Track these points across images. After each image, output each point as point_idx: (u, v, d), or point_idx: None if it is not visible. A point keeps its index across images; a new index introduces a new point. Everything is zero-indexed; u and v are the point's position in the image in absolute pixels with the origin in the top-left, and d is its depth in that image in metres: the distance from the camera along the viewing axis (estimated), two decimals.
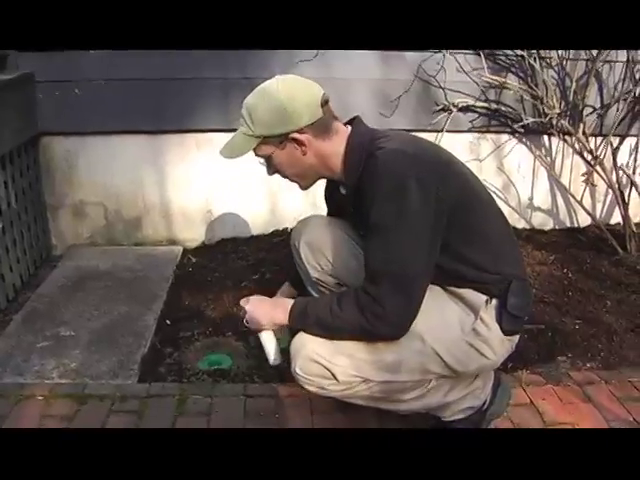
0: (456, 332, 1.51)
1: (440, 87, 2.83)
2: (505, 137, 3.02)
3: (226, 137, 2.81)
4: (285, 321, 1.53)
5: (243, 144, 1.53)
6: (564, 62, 2.80)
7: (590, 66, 2.78)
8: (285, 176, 1.62)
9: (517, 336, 1.60)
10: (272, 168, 1.60)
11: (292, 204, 3.04)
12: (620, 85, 2.87)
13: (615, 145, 2.70)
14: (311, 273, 1.78)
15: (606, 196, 3.17)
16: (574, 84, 2.78)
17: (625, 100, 2.81)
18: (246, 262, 2.82)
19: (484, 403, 1.68)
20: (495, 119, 2.94)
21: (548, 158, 3.05)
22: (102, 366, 2.01)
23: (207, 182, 2.93)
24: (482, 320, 1.51)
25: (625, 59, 2.84)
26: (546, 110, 2.70)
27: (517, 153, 3.06)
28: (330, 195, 1.79)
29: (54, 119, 2.70)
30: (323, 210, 3.04)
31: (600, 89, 2.91)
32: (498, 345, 1.54)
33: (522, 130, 2.92)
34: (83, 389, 1.89)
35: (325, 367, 1.46)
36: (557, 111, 2.67)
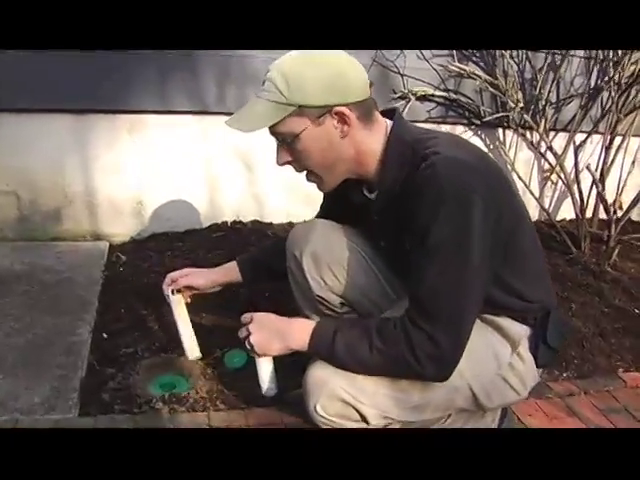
0: (493, 366, 1.34)
1: (399, 73, 2.64)
2: (460, 129, 2.88)
3: (163, 120, 2.55)
4: (304, 348, 1.28)
5: (269, 113, 1.24)
6: (528, 55, 2.70)
7: (550, 59, 2.70)
8: (305, 167, 1.32)
9: None
10: (291, 154, 1.30)
11: (232, 196, 2.77)
12: (583, 81, 2.81)
13: (578, 143, 2.63)
14: (314, 290, 1.52)
15: (554, 191, 3.13)
16: (539, 79, 2.69)
17: (588, 96, 2.74)
18: (184, 261, 2.50)
19: None
20: (453, 110, 2.80)
21: (501, 151, 2.95)
22: (34, 396, 1.66)
23: (139, 170, 2.59)
24: (518, 354, 1.35)
25: (586, 55, 2.79)
26: (510, 104, 2.58)
27: None
28: (342, 196, 1.48)
29: None
30: (268, 204, 2.82)
31: (557, 85, 2.83)
32: (530, 379, 1.39)
33: (479, 122, 2.80)
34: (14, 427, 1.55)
35: (352, 406, 1.24)
36: (521, 105, 2.55)
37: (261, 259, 1.73)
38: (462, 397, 1.34)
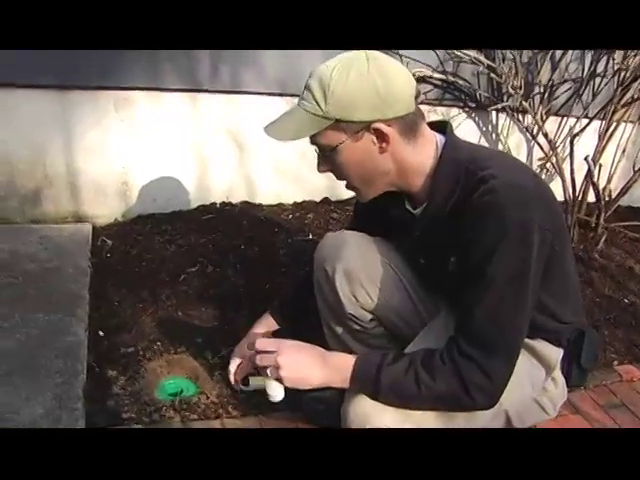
0: (527, 390, 1.32)
1: (398, 55, 2.55)
2: (455, 111, 2.83)
3: (151, 97, 2.40)
4: (344, 385, 1.21)
5: (306, 125, 1.18)
6: None
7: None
8: (343, 178, 1.27)
9: None
10: (329, 164, 1.25)
11: (220, 177, 2.65)
12: (579, 67, 2.78)
13: (575, 131, 2.61)
14: (347, 308, 1.46)
15: (540, 174, 3.13)
16: (539, 66, 2.64)
17: (585, 84, 2.72)
18: (176, 247, 2.40)
19: None
20: (449, 92, 2.73)
21: (493, 135, 2.92)
22: (36, 407, 1.56)
23: (124, 149, 2.44)
24: (552, 378, 1.34)
25: None
26: (509, 90, 2.54)
27: (464, 128, 2.88)
28: (379, 208, 1.40)
29: None
30: (258, 185, 2.72)
31: (553, 71, 2.79)
32: (560, 399, 1.39)
33: (474, 105, 2.75)
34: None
35: None
36: (522, 92, 2.51)
37: (295, 305, 1.66)
38: (499, 422, 1.33)
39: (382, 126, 1.17)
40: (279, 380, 1.24)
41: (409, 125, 1.20)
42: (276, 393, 1.33)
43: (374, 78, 1.14)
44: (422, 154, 1.23)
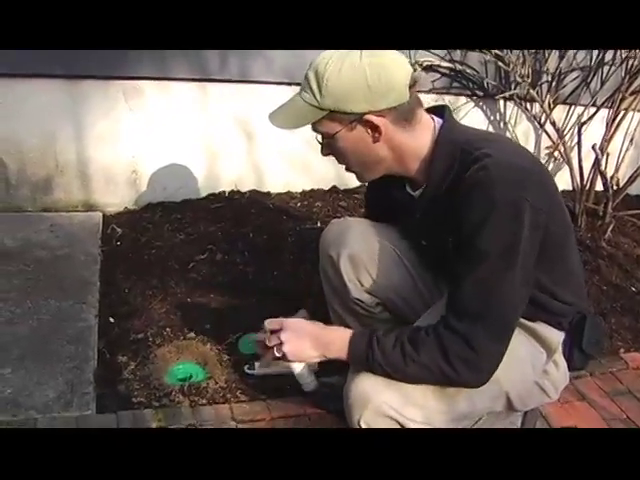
0: (528, 372, 1.33)
1: None
2: (462, 100, 2.83)
3: (160, 87, 2.42)
4: (341, 355, 1.25)
5: (304, 114, 1.23)
6: None
7: None
8: (343, 163, 1.32)
9: None
10: (330, 149, 1.30)
11: (229, 165, 2.67)
12: (587, 55, 2.78)
13: (582, 119, 2.61)
14: (352, 293, 1.49)
15: (548, 163, 3.12)
16: (546, 54, 2.64)
17: (593, 72, 2.72)
18: (186, 235, 2.42)
19: None
20: (457, 81, 2.73)
21: (501, 123, 2.93)
22: (48, 391, 1.60)
23: (134, 138, 2.47)
24: (554, 360, 1.35)
25: None
26: (517, 78, 2.54)
27: (472, 117, 2.88)
28: (383, 192, 1.44)
29: None
30: (267, 173, 2.74)
31: (561, 58, 2.78)
32: (562, 382, 1.39)
33: (482, 94, 2.75)
34: (34, 427, 1.48)
35: (397, 421, 1.22)
36: (529, 80, 2.51)
37: None
38: (500, 404, 1.34)
39: (373, 118, 1.19)
40: (284, 357, 1.29)
41: (404, 114, 1.22)
42: (308, 381, 1.44)
43: (365, 70, 1.16)
44: (419, 140, 1.26)
